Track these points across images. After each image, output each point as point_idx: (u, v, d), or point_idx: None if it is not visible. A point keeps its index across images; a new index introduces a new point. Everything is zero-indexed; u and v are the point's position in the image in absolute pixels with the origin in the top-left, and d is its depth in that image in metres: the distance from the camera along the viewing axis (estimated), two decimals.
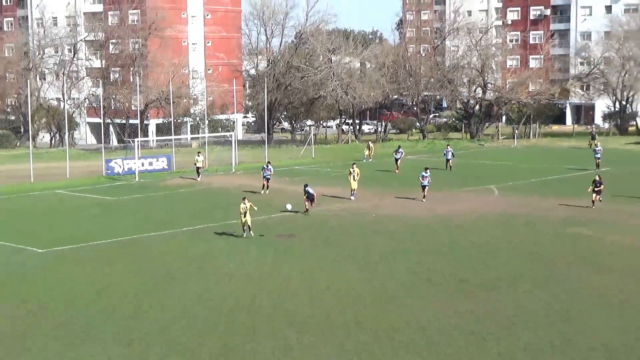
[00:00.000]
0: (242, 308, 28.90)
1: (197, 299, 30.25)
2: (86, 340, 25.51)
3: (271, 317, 27.77)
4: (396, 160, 67.59)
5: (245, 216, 39.90)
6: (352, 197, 53.62)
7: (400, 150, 65.42)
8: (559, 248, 38.32)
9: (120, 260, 36.73)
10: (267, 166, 52.81)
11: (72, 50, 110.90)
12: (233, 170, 71.64)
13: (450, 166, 69.51)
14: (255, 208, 40.63)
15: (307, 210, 47.32)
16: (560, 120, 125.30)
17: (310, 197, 46.10)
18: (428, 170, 52.08)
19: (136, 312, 28.40)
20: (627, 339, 24.90)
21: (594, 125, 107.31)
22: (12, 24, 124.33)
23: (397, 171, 66.70)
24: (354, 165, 54.59)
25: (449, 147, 72.64)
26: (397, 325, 26.66)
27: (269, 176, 52.41)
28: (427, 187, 51.66)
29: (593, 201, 47.67)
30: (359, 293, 30.78)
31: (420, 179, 51.53)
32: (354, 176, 53.81)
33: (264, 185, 52.79)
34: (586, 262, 35.31)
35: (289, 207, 42.43)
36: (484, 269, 33.89)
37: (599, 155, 68.73)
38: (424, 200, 51.37)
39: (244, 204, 39.93)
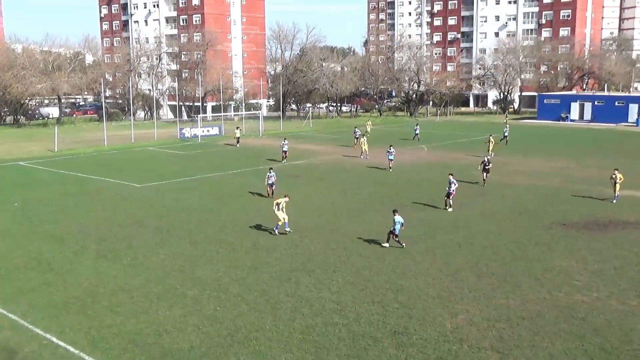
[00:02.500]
0: (265, 218, 29.07)
1: (238, 213, 30.46)
2: (169, 241, 25.81)
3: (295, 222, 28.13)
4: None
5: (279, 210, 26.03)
6: (366, 157, 48.91)
7: (391, 149, 43.74)
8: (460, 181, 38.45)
9: (191, 190, 36.92)
10: (270, 172, 34.29)
11: (158, 58, 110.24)
12: (260, 135, 71.63)
13: (417, 137, 62.91)
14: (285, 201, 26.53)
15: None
16: (466, 104, 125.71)
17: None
18: (392, 147, 43.46)
19: (200, 223, 28.66)
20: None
21: (507, 110, 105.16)
22: (119, 41, 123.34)
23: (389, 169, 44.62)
24: (364, 137, 51.94)
25: (417, 125, 65.94)
26: (362, 229, 26.99)
27: (272, 182, 33.92)
28: (392, 161, 43.14)
29: (484, 180, 36.81)
30: (338, 209, 31.03)
31: (387, 153, 43.07)
32: (362, 144, 50.04)
33: (268, 191, 34.12)
34: (475, 187, 35.57)
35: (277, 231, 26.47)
36: (414, 194, 34.07)
37: (507, 134, 60.50)
38: (390, 170, 42.93)
39: (285, 198, 26.38)
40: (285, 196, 26.56)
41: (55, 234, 26.76)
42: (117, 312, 17.94)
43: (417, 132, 64.12)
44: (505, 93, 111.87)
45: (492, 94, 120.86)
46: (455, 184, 30.59)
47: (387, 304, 18.40)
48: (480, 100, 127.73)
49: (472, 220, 28.58)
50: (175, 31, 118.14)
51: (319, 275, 20.99)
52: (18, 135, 74.44)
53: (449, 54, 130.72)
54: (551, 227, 27.16)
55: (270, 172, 34.30)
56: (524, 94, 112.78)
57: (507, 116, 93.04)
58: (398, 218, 23.61)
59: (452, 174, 31.21)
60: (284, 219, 25.99)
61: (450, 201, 30.66)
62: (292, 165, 46.66)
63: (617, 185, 32.13)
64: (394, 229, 23.60)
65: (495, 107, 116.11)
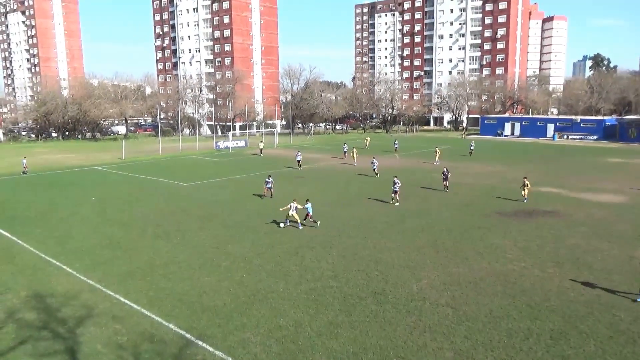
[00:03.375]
0: (278, 210, 29.16)
1: (260, 205, 30.31)
2: (207, 225, 25.73)
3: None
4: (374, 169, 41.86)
5: (292, 212, 24.45)
6: (354, 164, 47.56)
7: (374, 161, 41.70)
8: (424, 181, 38.26)
9: (225, 188, 36.84)
10: (269, 179, 32.37)
11: (199, 90, 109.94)
12: (275, 147, 71.39)
13: (397, 150, 60.08)
14: (300, 206, 24.78)
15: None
16: (427, 123, 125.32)
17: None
18: (375, 159, 41.31)
19: (231, 212, 28.55)
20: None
21: (464, 126, 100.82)
22: (170, 77, 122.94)
23: (376, 175, 41.28)
24: (354, 149, 49.51)
25: (396, 140, 64.04)
26: (350, 217, 26.87)
27: (270, 186, 32.04)
28: (375, 169, 41.02)
29: (445, 187, 33.83)
30: (334, 201, 30.88)
31: (371, 164, 40.13)
32: (353, 154, 48.49)
33: (265, 193, 32.38)
34: (435, 184, 35.37)
35: (282, 225, 24.46)
36: (389, 191, 33.85)
37: (472, 148, 56.71)
38: (377, 176, 40.29)
39: (297, 205, 24.55)
40: (293, 200, 24.94)
41: (123, 220, 26.69)
42: (169, 278, 17.88)
43: (397, 145, 62.06)
44: (457, 115, 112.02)
45: (447, 116, 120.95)
46: (398, 184, 29.56)
47: (369, 272, 18.35)
48: (438, 120, 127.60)
49: (432, 210, 28.50)
50: (212, 70, 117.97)
51: (319, 251, 20.93)
52: (95, 147, 74.25)
53: (415, 87, 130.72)
54: (490, 215, 27.10)
55: (269, 178, 32.27)
56: (470, 116, 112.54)
57: (464, 133, 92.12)
58: (309, 205, 24.64)
59: (396, 177, 30.24)
60: (298, 220, 24.37)
61: (397, 197, 29.64)
62: (299, 169, 46.58)
63: (526, 190, 30.52)
64: (309, 212, 24.56)
65: (449, 126, 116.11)
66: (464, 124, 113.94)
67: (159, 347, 13.41)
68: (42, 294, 16.47)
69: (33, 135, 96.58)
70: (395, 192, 29.78)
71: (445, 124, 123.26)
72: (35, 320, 14.69)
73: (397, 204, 29.61)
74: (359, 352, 13.05)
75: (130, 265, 19.30)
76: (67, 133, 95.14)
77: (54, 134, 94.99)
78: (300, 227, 24.29)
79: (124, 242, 22.50)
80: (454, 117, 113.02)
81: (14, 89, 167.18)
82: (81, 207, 30.08)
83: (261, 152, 60.18)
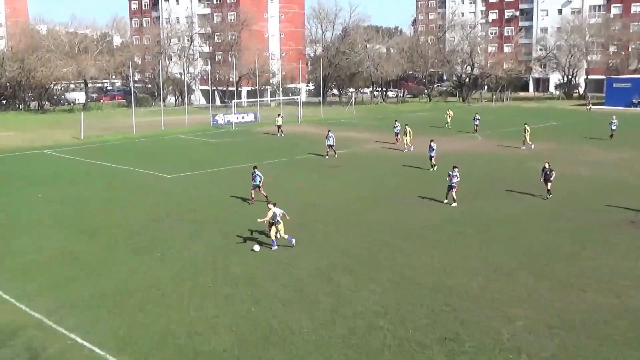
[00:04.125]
0: (307, 206, 29.55)
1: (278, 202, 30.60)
2: (200, 235, 26.05)
3: (325, 213, 28.64)
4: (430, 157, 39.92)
5: (273, 226, 23.41)
6: (406, 150, 47.24)
7: (433, 145, 39.45)
8: (513, 172, 37.87)
9: (224, 182, 37.24)
10: (255, 171, 30.74)
11: (190, 40, 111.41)
12: (299, 122, 71.78)
13: (477, 128, 59.36)
14: (288, 217, 23.92)
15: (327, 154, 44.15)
16: (525, 88, 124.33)
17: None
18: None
19: (233, 216, 28.88)
20: (548, 237, 24.83)
21: (589, 99, 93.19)
22: (148, 22, 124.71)
23: (432, 168, 39.64)
24: (407, 128, 47.83)
25: (477, 114, 61.28)
26: (406, 224, 26.80)
27: (259, 183, 30.55)
28: (432, 157, 39.56)
29: (548, 191, 31.22)
30: (380, 201, 30.97)
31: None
32: (406, 135, 47.42)
33: (252, 197, 31.17)
34: (527, 181, 34.88)
35: (256, 248, 23.19)
36: (460, 186, 33.59)
37: (614, 128, 54.22)
38: (432, 169, 39.33)
39: (274, 208, 23.37)
40: (274, 204, 23.60)
41: (84, 227, 27.27)
42: (147, 310, 18.17)
43: (478, 122, 59.87)
44: (569, 76, 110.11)
45: (555, 78, 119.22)
46: (457, 177, 29.74)
47: (435, 307, 18.24)
48: (541, 84, 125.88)
49: (526, 217, 28.12)
50: (208, 10, 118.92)
51: (360, 274, 20.92)
52: (43, 122, 76.19)
53: (506, 34, 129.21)
54: (617, 226, 26.52)
55: (254, 172, 30.69)
56: (590, 77, 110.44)
57: (589, 103, 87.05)
58: (278, 210, 23.42)
59: (456, 167, 30.31)
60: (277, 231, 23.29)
61: (454, 194, 29.90)
62: (326, 157, 46.60)
63: None
64: (277, 221, 23.39)
65: (557, 92, 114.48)
66: (580, 89, 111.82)
67: None
68: None
69: None
70: (451, 188, 29.86)
71: (551, 88, 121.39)
72: None
73: (454, 204, 29.77)
74: None
75: (93, 291, 19.70)
76: (4, 102, 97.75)
77: None
78: (275, 247, 23.27)
79: (85, 258, 22.97)
80: (565, 78, 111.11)
81: None
82: (24, 208, 30.88)
83: (280, 130, 60.17)
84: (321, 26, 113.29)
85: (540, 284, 19.91)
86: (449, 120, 64.84)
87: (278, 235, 23.39)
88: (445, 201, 30.28)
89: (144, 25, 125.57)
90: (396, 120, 53.51)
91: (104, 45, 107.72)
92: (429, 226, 26.48)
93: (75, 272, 21.46)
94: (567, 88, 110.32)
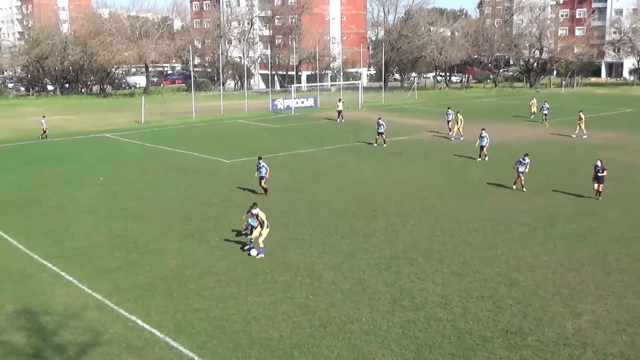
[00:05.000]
0: (364, 200, 29.23)
1: (335, 193, 30.66)
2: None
3: (384, 207, 28.02)
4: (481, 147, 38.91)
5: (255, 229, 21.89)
6: (454, 138, 46.82)
7: (484, 133, 38.38)
8: (584, 162, 36.66)
9: (283, 168, 37.45)
10: (260, 162, 30.06)
11: (250, 23, 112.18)
12: (359, 107, 71.67)
13: (545, 117, 56.46)
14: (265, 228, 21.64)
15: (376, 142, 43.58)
16: (597, 74, 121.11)
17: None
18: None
19: (292, 202, 29.06)
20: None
21: None
22: (208, 5, 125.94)
23: (482, 158, 38.91)
24: (459, 116, 47.15)
25: (546, 102, 58.12)
26: (470, 216, 26.56)
27: (264, 175, 29.83)
28: (484, 148, 38.53)
29: (598, 192, 28.96)
30: (444, 191, 30.68)
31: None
32: (458, 122, 46.94)
33: (265, 189, 30.11)
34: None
35: (253, 253, 21.42)
36: (529, 176, 32.97)
37: None
38: (479, 159, 38.61)
39: (255, 210, 21.74)
40: (254, 205, 22.01)
41: (141, 211, 27.95)
42: (204, 296, 18.52)
43: (546, 110, 56.88)
44: None
45: (629, 62, 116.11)
46: (526, 162, 30.28)
47: (498, 300, 18.04)
48: (614, 69, 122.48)
49: (597, 208, 27.47)
50: None
51: (421, 265, 20.85)
52: (104, 106, 78.19)
53: (577, 16, 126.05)
54: None
55: (260, 163, 30.02)
56: None
57: None
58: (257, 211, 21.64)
59: (527, 155, 30.71)
60: (255, 237, 21.79)
61: (522, 181, 30.47)
62: (394, 141, 46.39)
63: None
64: (254, 226, 21.72)
65: (632, 78, 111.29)
66: None
67: None
68: (33, 310, 17.68)
69: (22, 89, 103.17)
70: (520, 174, 30.40)
71: (625, 74, 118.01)
72: (24, 346, 15.79)
73: (523, 190, 30.26)
74: None
75: (151, 275, 20.21)
76: (67, 86, 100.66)
77: (49, 87, 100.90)
78: (254, 253, 21.68)
79: (143, 242, 23.55)
80: (639, 62, 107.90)
81: None
82: (83, 191, 31.84)
83: (340, 116, 60.25)
84: (383, 9, 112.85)
85: (610, 280, 19.46)
86: (533, 110, 60.68)
87: (259, 240, 21.45)
88: (514, 187, 30.68)
89: (204, 8, 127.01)
90: (449, 108, 51.99)
91: (164, 29, 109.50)
92: (495, 218, 26.15)
93: (132, 256, 22.03)
94: None
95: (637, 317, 16.86)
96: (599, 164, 29.08)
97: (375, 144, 44.66)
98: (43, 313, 17.46)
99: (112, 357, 15.11)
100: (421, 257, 21.56)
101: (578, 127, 47.70)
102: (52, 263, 21.23)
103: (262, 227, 21.56)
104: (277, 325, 16.67)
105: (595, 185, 29.05)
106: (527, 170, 30.46)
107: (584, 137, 46.91)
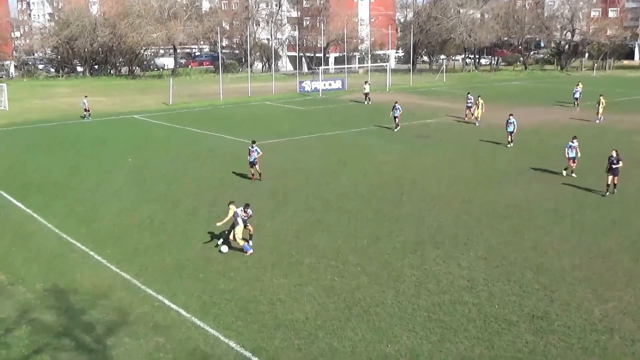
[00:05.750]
0: (390, 184, 29.22)
1: (360, 177, 30.69)
2: (284, 205, 26.43)
3: (409, 192, 27.96)
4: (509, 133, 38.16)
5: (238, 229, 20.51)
6: (477, 124, 45.82)
7: (512, 119, 37.63)
8: (615, 147, 36.09)
9: (310, 150, 37.55)
10: (252, 146, 29.57)
11: (278, 5, 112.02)
12: (387, 90, 71.38)
13: (578, 101, 54.89)
14: (250, 227, 21.18)
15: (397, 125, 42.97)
16: (630, 56, 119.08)
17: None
18: (512, 117, 36.86)
19: (318, 186, 29.15)
20: None
21: None
22: None
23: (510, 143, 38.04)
24: (480, 100, 46.60)
25: (579, 86, 56.23)
26: (497, 202, 26.42)
27: (255, 160, 29.56)
28: (512, 134, 37.76)
29: (608, 185, 26.87)
30: (470, 177, 30.52)
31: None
32: (478, 107, 46.35)
33: (252, 174, 30.14)
34: (632, 159, 33.50)
35: (224, 249, 20.44)
36: (559, 162, 32.53)
37: None
38: (509, 145, 37.74)
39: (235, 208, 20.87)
40: (231, 203, 21.23)
41: (169, 193, 28.24)
42: (231, 277, 18.73)
43: (578, 94, 55.08)
44: None
45: None
46: (574, 145, 29.86)
47: (525, 284, 17.99)
48: None
49: (629, 195, 27.12)
50: None
51: (447, 249, 20.83)
52: (133, 87, 78.79)
53: None
54: None
55: (252, 147, 29.55)
56: None
57: None
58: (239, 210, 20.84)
59: (575, 137, 30.33)
60: (243, 238, 20.63)
61: (574, 166, 30.08)
62: (422, 124, 46.21)
63: None
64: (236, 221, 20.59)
65: None
66: None
67: None
68: (62, 289, 18.05)
69: (52, 70, 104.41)
70: (571, 159, 30.00)
71: None
72: (54, 324, 16.15)
73: (573, 174, 29.95)
74: None
75: (178, 257, 20.46)
76: (96, 67, 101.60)
77: (79, 68, 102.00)
78: (225, 250, 20.84)
79: (170, 225, 23.82)
80: None
81: (28, 3, 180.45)
82: (112, 173, 32.23)
83: (367, 98, 60.02)
84: None
85: (638, 267, 19.28)
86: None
87: (237, 238, 20.50)
88: (563, 173, 30.35)
89: None
90: (468, 93, 51.04)
91: (192, 11, 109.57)
92: (523, 205, 25.99)
93: (159, 238, 22.29)
94: None
95: None
96: (614, 154, 26.80)
97: (396, 129, 43.80)
98: (72, 292, 17.81)
99: (139, 336, 15.37)
100: (447, 241, 21.54)
101: (600, 109, 47.04)
102: (82, 243, 21.60)
103: (234, 227, 20.62)
104: (302, 306, 16.81)
105: (609, 178, 26.71)
106: (579, 154, 29.91)
107: (597, 121, 46.32)
